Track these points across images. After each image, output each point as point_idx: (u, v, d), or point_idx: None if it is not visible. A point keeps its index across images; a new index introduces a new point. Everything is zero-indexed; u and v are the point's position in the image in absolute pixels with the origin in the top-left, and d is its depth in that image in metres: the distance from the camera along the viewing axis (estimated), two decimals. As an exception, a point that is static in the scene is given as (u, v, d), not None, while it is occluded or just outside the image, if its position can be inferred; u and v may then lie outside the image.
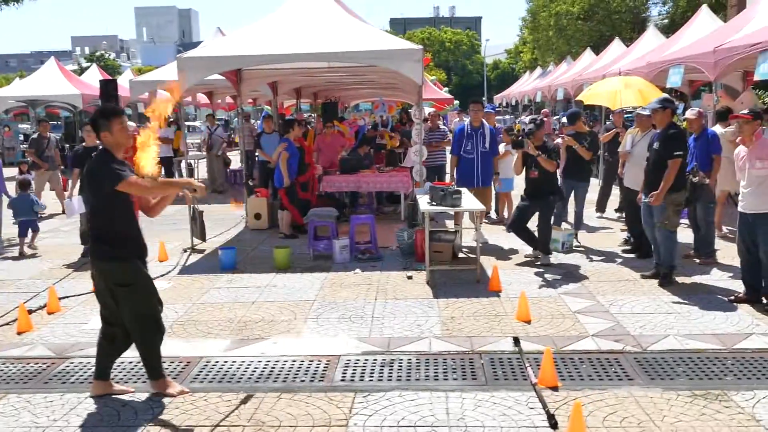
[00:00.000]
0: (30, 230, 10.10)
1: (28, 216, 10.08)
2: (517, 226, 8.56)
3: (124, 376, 5.29)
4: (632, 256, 8.81)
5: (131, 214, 4.81)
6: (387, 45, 9.19)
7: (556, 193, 8.60)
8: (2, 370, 5.53)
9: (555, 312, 6.60)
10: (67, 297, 7.55)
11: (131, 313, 4.73)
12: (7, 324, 6.69)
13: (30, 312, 6.85)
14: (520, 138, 8.62)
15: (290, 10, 10.42)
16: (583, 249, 9.36)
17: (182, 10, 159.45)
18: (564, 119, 10.16)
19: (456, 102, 33.08)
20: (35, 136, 14.21)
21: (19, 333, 6.42)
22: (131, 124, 4.92)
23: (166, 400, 4.83)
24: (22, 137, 27.48)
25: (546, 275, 8.00)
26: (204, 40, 33.43)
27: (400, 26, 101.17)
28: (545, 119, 10.35)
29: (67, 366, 5.56)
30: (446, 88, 37.60)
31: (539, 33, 43.80)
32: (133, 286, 4.71)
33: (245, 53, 9.51)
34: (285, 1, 10.84)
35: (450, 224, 10.88)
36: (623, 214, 10.42)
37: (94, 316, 6.78)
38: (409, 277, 7.98)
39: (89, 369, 5.32)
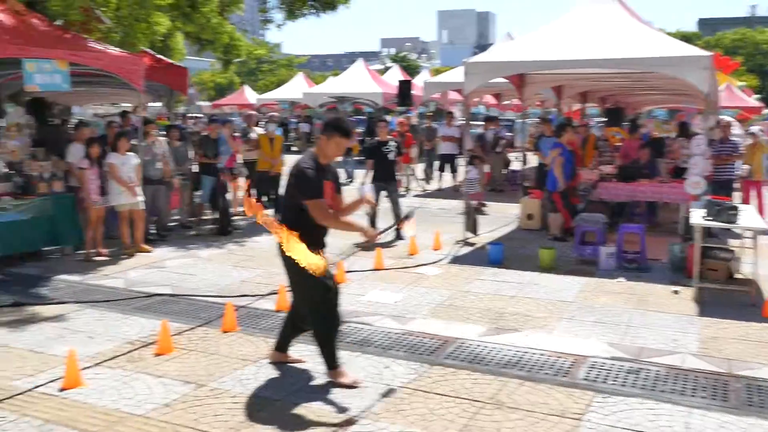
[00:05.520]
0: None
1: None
2: None
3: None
4: None
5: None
6: (671, 51, 8.94)
7: None
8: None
9: (837, 347, 6.04)
10: (352, 271, 8.60)
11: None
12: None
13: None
14: None
15: (575, 16, 10.58)
16: None
17: (481, 12, 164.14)
18: None
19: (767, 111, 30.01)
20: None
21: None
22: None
23: (422, 369, 5.45)
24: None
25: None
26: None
27: (709, 27, 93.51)
28: None
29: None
30: (756, 96, 34.16)
31: None
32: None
33: (526, 59, 9.92)
34: (572, 6, 11.02)
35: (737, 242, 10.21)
36: None
37: (372, 290, 7.74)
38: (675, 292, 7.77)
39: (362, 333, 6.20)
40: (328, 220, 5.02)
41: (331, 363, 5.17)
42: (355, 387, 5.06)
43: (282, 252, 4.97)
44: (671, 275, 8.55)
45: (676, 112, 25.22)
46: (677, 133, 13.04)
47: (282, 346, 5.57)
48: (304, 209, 4.95)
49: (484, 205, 13.92)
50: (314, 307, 5.11)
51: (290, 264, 4.93)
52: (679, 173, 12.59)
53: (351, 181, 18.75)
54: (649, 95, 18.60)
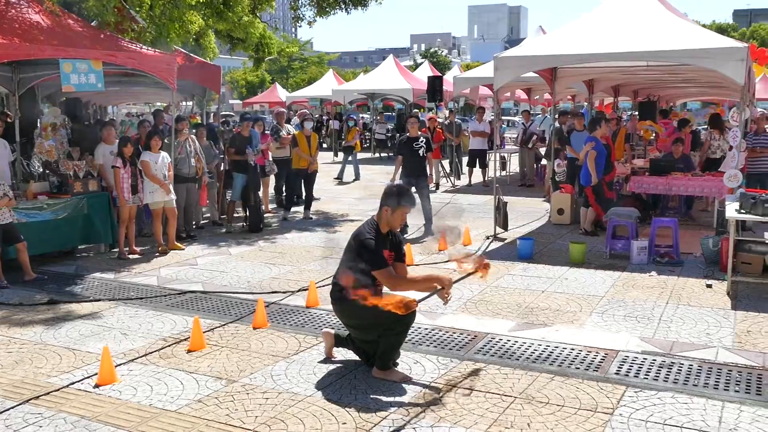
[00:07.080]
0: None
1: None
2: None
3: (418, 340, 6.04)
4: None
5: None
6: (706, 43, 8.78)
7: None
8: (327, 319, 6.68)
9: None
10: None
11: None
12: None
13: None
14: None
15: (608, 9, 10.46)
16: None
17: (512, 7, 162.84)
18: None
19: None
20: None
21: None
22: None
23: (452, 364, 5.46)
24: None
25: None
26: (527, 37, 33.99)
27: (744, 19, 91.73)
28: None
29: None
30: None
31: None
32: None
33: (557, 53, 9.82)
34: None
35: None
36: None
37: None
38: (709, 286, 7.65)
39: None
40: (398, 286, 5.13)
41: (388, 365, 5.22)
42: (406, 382, 5.11)
43: (345, 303, 5.12)
44: (705, 269, 8.43)
45: (709, 104, 24.84)
46: (708, 125, 12.85)
47: (340, 342, 5.61)
48: (366, 271, 5.05)
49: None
50: (390, 331, 5.10)
51: (359, 310, 5.03)
52: (708, 166, 12.38)
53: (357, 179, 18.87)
54: (683, 88, 18.32)
